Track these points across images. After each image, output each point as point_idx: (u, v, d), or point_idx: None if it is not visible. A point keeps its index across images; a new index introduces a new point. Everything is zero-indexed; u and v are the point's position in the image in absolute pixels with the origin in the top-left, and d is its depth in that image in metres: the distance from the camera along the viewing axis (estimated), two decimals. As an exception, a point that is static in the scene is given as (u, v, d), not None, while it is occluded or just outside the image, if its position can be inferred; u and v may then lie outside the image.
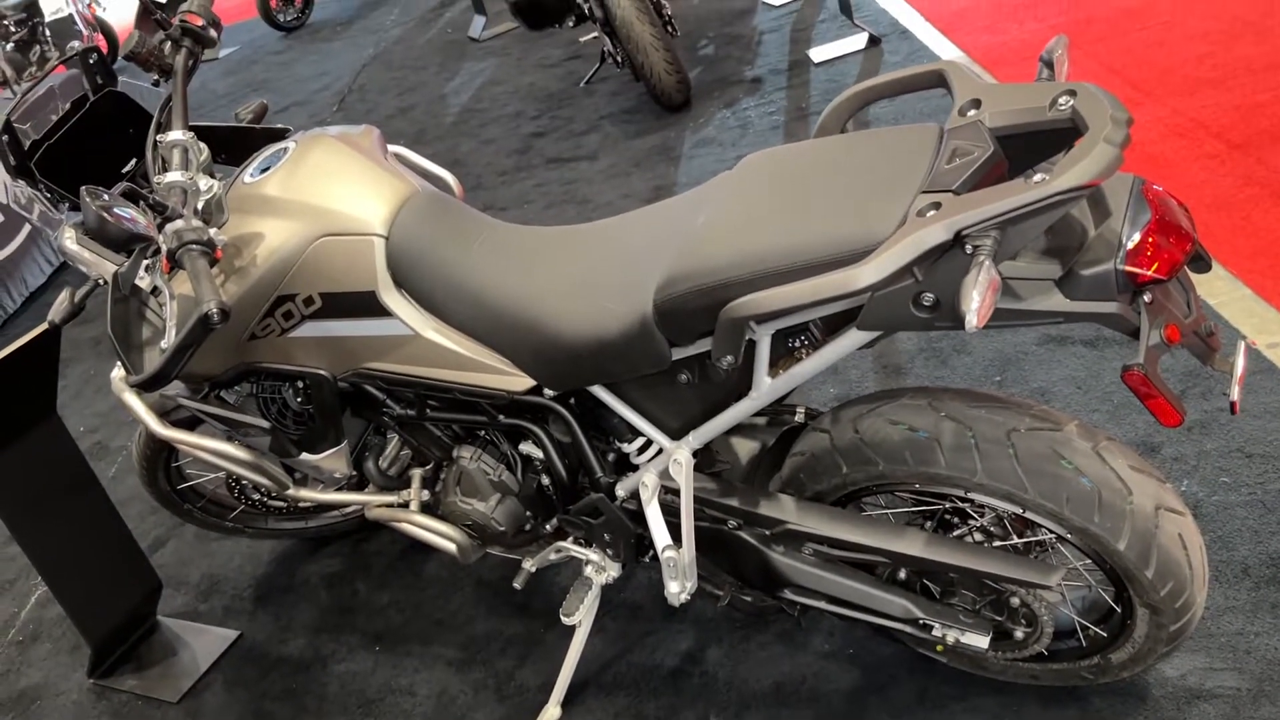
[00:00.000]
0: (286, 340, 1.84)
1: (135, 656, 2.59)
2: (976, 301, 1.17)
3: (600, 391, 1.72)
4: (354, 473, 2.09)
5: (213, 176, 1.98)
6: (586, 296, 1.63)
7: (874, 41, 4.69)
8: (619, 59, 4.75)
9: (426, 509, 2.08)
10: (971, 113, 1.40)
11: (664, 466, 1.72)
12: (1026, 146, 1.36)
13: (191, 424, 2.21)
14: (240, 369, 1.88)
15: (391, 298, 1.77)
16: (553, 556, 2.01)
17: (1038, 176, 1.22)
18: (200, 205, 1.79)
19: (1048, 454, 1.50)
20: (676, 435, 1.73)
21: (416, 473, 2.08)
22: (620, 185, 4.20)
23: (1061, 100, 1.32)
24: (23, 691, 2.62)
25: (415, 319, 1.77)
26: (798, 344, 1.53)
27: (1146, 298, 1.30)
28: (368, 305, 1.77)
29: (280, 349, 1.85)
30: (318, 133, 1.88)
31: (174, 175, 1.75)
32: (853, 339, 1.46)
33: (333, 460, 2.03)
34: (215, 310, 1.52)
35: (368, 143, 1.88)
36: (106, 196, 1.53)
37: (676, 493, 1.74)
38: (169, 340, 1.61)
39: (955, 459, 1.54)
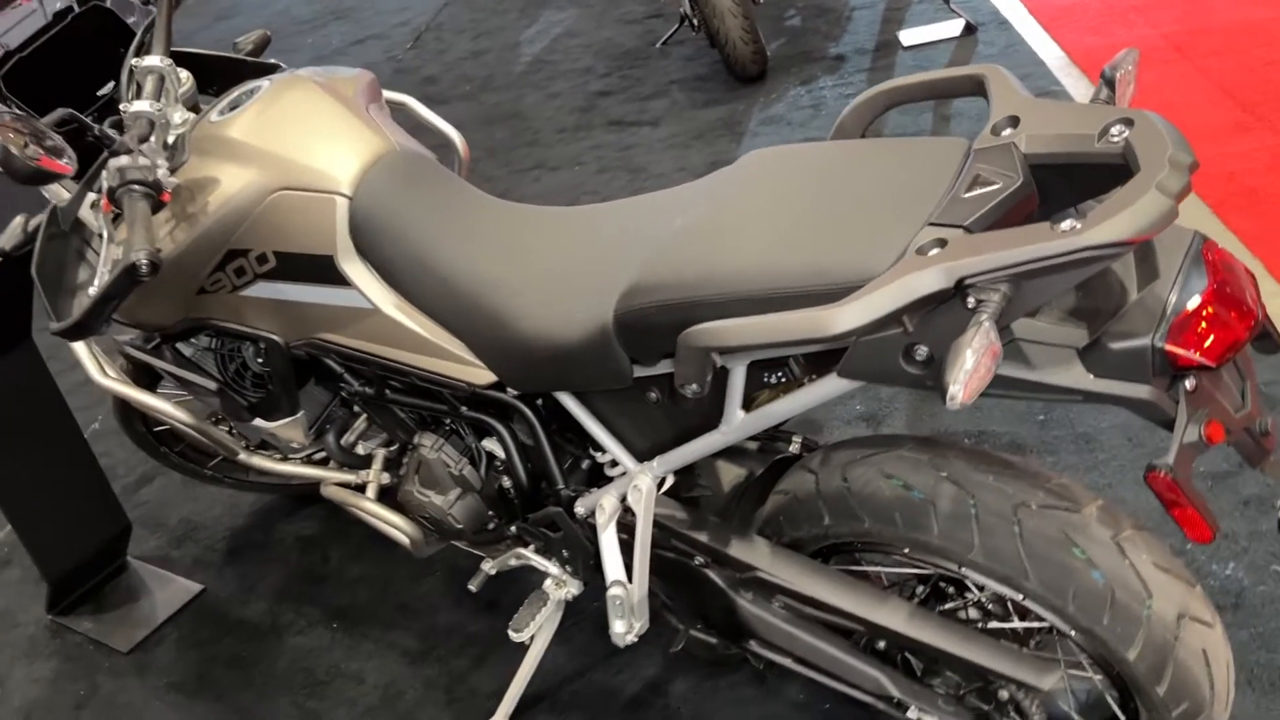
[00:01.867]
0: (238, 298, 1.68)
1: (98, 596, 2.50)
2: (964, 372, 0.96)
3: (565, 399, 1.54)
4: (312, 445, 1.94)
5: (196, 110, 1.82)
6: (550, 294, 1.44)
7: (970, 30, 4.38)
8: (695, 22, 4.51)
9: (385, 494, 1.92)
10: (1007, 132, 1.18)
11: (625, 490, 1.54)
12: (1066, 180, 1.14)
13: (155, 372, 2.07)
14: (190, 323, 1.73)
15: (351, 266, 1.60)
16: (512, 563, 1.84)
17: (1067, 223, 1.00)
18: (171, 139, 1.63)
19: (1058, 538, 1.28)
20: (644, 457, 1.54)
21: (379, 453, 1.92)
22: (678, 157, 3.99)
23: (1115, 130, 1.09)
24: (-18, 618, 2.55)
25: (375, 292, 1.60)
26: (773, 380, 1.33)
27: (1189, 384, 1.07)
28: (324, 271, 1.61)
29: (231, 307, 1.69)
30: (296, 73, 1.70)
31: (141, 104, 1.59)
32: (832, 386, 1.25)
33: (288, 430, 1.88)
34: (144, 262, 1.37)
35: (351, 90, 1.70)
36: (22, 121, 1.38)
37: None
38: (96, 288, 1.47)
39: (950, 529, 1.33)
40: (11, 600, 2.57)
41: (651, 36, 5.25)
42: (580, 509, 1.63)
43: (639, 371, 1.39)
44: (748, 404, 1.37)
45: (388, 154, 1.62)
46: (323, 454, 2.07)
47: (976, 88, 1.29)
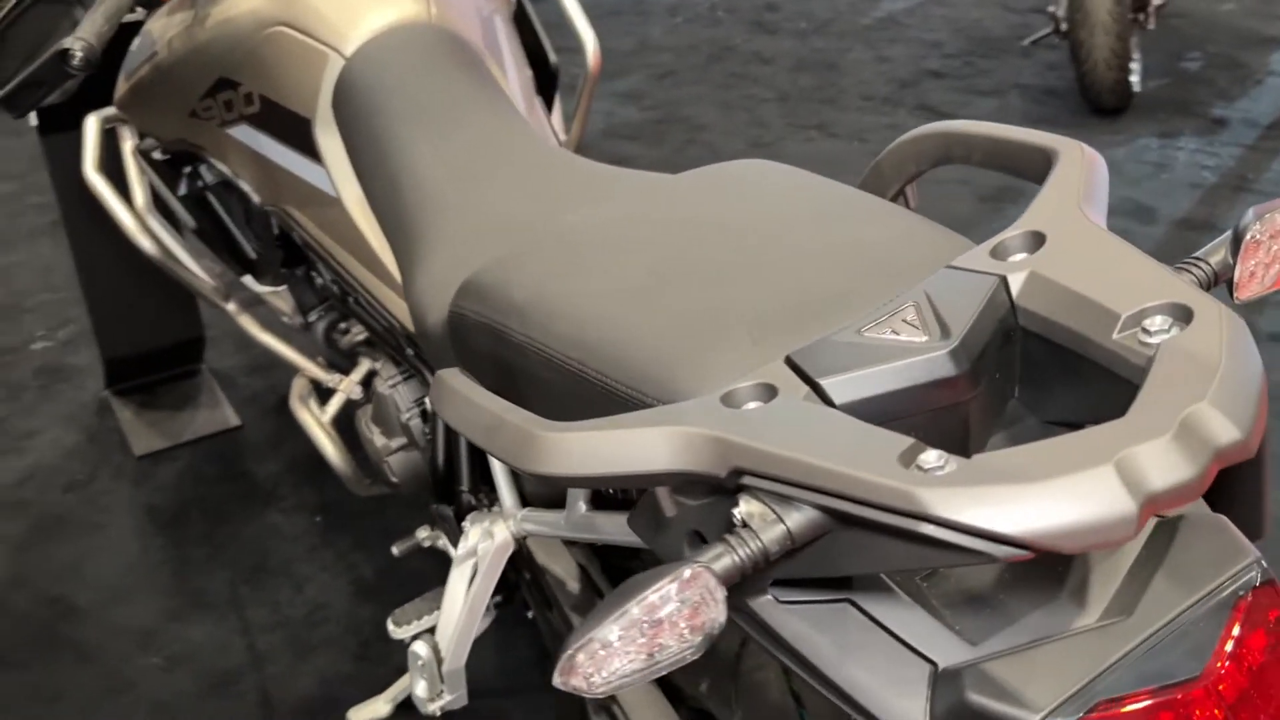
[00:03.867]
0: (224, 135, 1.45)
1: (154, 391, 2.44)
2: (591, 647, 0.55)
3: None
4: (302, 322, 1.71)
5: None
6: (450, 251, 1.09)
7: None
8: (1063, 28, 3.83)
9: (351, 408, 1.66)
10: (1017, 257, 0.70)
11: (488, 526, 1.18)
12: (1067, 372, 0.66)
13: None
14: (184, 147, 1.53)
15: (326, 139, 1.32)
16: (425, 544, 1.54)
17: (933, 456, 0.55)
18: None
19: None
20: (533, 500, 1.17)
21: (364, 363, 1.65)
22: (965, 168, 3.42)
23: (1156, 321, 0.60)
24: (54, 368, 2.56)
25: (342, 179, 1.32)
26: None
27: None
28: (301, 136, 1.34)
29: (219, 142, 1.47)
30: None
31: None
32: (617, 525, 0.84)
33: (276, 300, 1.66)
34: (77, 52, 1.17)
35: None
36: None
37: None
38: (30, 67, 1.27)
39: None
40: (94, 364, 2.55)
41: (1024, 31, 4.59)
42: (468, 524, 1.29)
43: None
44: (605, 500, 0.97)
45: (414, 23, 1.31)
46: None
47: (1042, 166, 0.80)
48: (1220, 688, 0.59)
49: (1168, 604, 0.63)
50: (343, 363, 1.70)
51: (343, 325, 1.66)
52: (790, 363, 0.69)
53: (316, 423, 1.63)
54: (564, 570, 1.20)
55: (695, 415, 0.64)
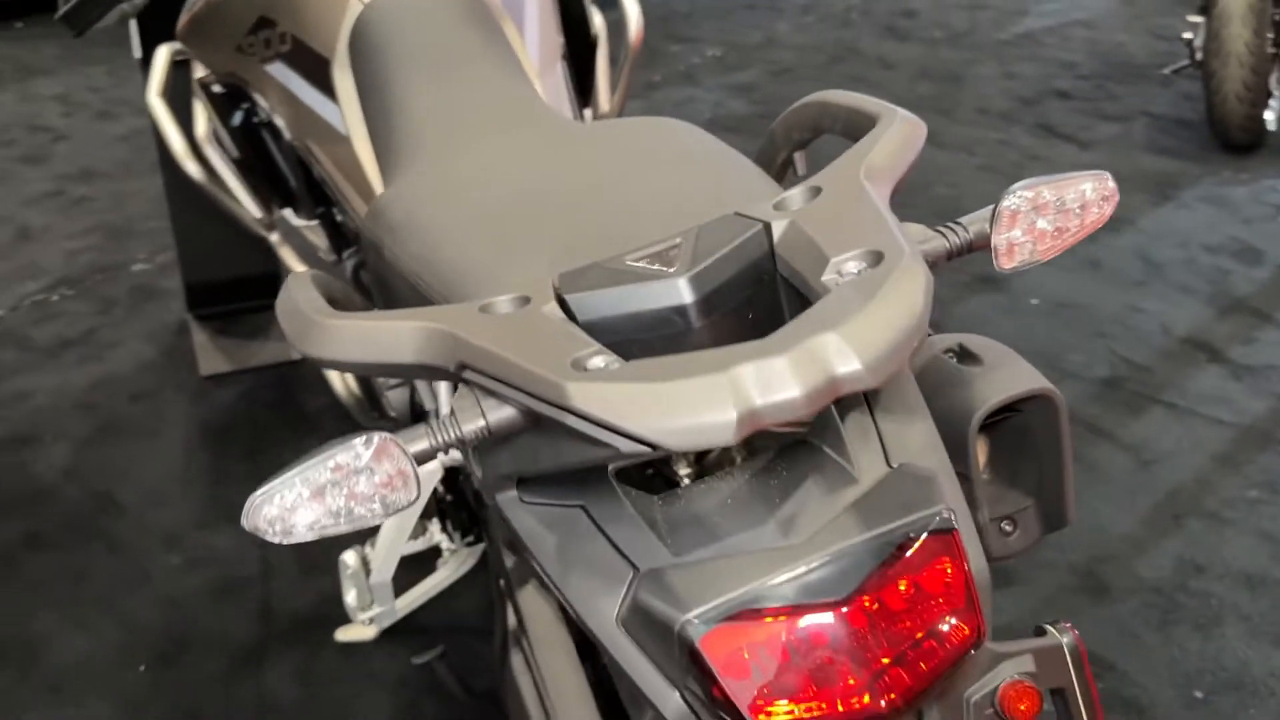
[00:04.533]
0: (264, 71, 1.54)
1: (235, 317, 2.57)
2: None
3: None
4: (335, 259, 1.79)
5: None
6: (401, 184, 1.14)
7: None
8: (1197, 57, 3.66)
9: None
10: (795, 205, 0.72)
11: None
12: (796, 310, 0.69)
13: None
14: (232, 80, 1.63)
15: (342, 79, 1.39)
16: None
17: (599, 361, 0.62)
18: None
19: None
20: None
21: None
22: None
23: (849, 267, 0.62)
24: (147, 288, 2.75)
25: (353, 119, 1.39)
26: None
27: None
28: (321, 76, 1.42)
29: (260, 78, 1.56)
30: None
31: None
32: None
33: (312, 234, 1.75)
34: None
35: None
36: None
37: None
38: None
39: None
40: (182, 289, 2.72)
41: (1167, 59, 4.40)
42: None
43: None
44: None
45: None
46: None
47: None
48: (853, 615, 0.62)
49: (844, 534, 0.65)
50: (366, 300, 1.78)
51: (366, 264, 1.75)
52: (557, 281, 0.74)
53: (340, 380, 1.71)
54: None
55: (448, 316, 0.69)
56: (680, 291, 0.68)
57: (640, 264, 0.71)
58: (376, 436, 0.63)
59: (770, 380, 0.57)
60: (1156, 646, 1.76)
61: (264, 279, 2.59)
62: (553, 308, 0.70)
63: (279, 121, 1.56)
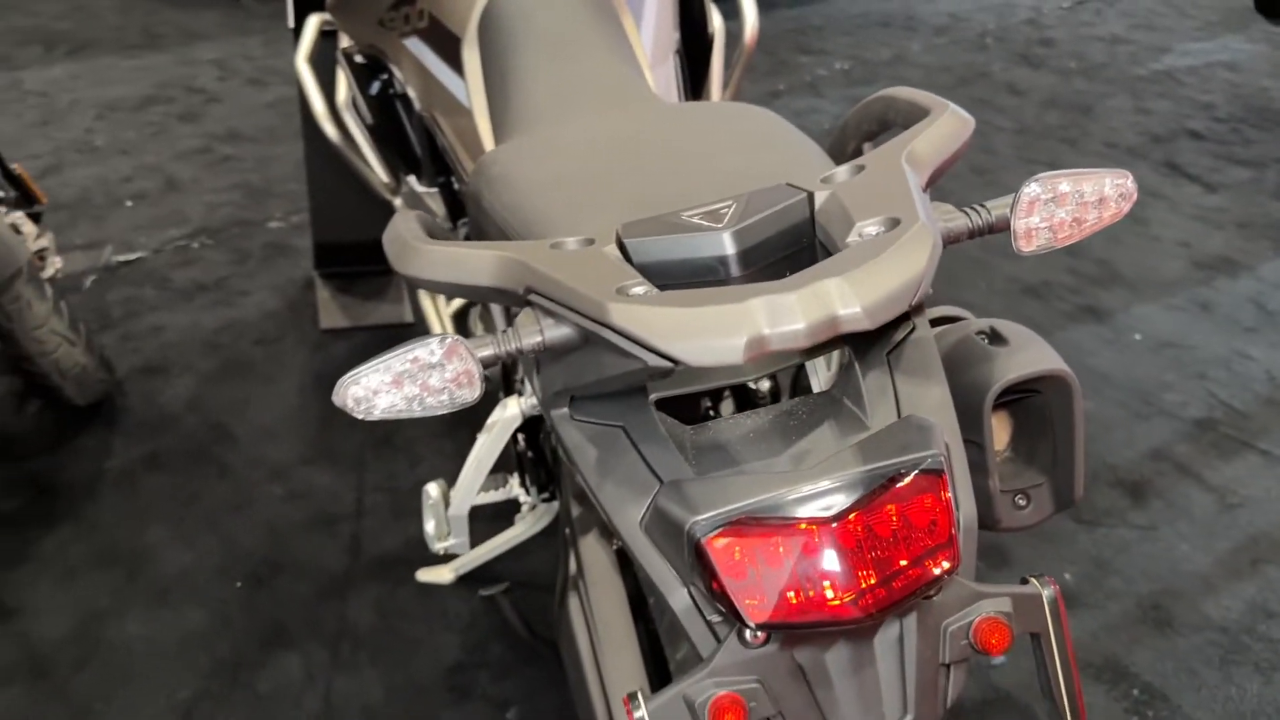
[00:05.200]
0: (401, 45, 1.67)
1: (360, 277, 2.72)
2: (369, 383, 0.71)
3: None
4: (451, 227, 1.91)
5: None
6: (509, 148, 1.24)
7: None
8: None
9: None
10: (841, 179, 0.80)
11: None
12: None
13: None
14: (372, 51, 1.76)
15: (470, 58, 1.50)
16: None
17: (640, 289, 0.74)
18: None
19: None
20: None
21: None
22: (1198, 232, 3.26)
23: (869, 230, 0.70)
24: (280, 245, 2.92)
25: (476, 95, 1.50)
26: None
27: None
28: (452, 52, 1.53)
29: (397, 51, 1.69)
30: None
31: None
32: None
33: (432, 201, 1.87)
34: None
35: None
36: None
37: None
38: None
39: None
40: (305, 248, 2.89)
41: (1317, 108, 4.28)
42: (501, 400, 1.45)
43: None
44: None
45: None
46: None
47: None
48: (843, 533, 0.69)
49: (844, 465, 0.73)
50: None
51: (479, 233, 1.86)
52: (620, 228, 0.83)
53: (437, 318, 1.84)
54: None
55: (523, 249, 0.79)
56: (724, 243, 0.77)
57: (694, 219, 0.80)
58: (450, 338, 0.74)
59: (779, 313, 0.66)
60: (1215, 685, 1.76)
61: (386, 245, 2.74)
62: (612, 249, 0.79)
63: (411, 93, 1.68)
